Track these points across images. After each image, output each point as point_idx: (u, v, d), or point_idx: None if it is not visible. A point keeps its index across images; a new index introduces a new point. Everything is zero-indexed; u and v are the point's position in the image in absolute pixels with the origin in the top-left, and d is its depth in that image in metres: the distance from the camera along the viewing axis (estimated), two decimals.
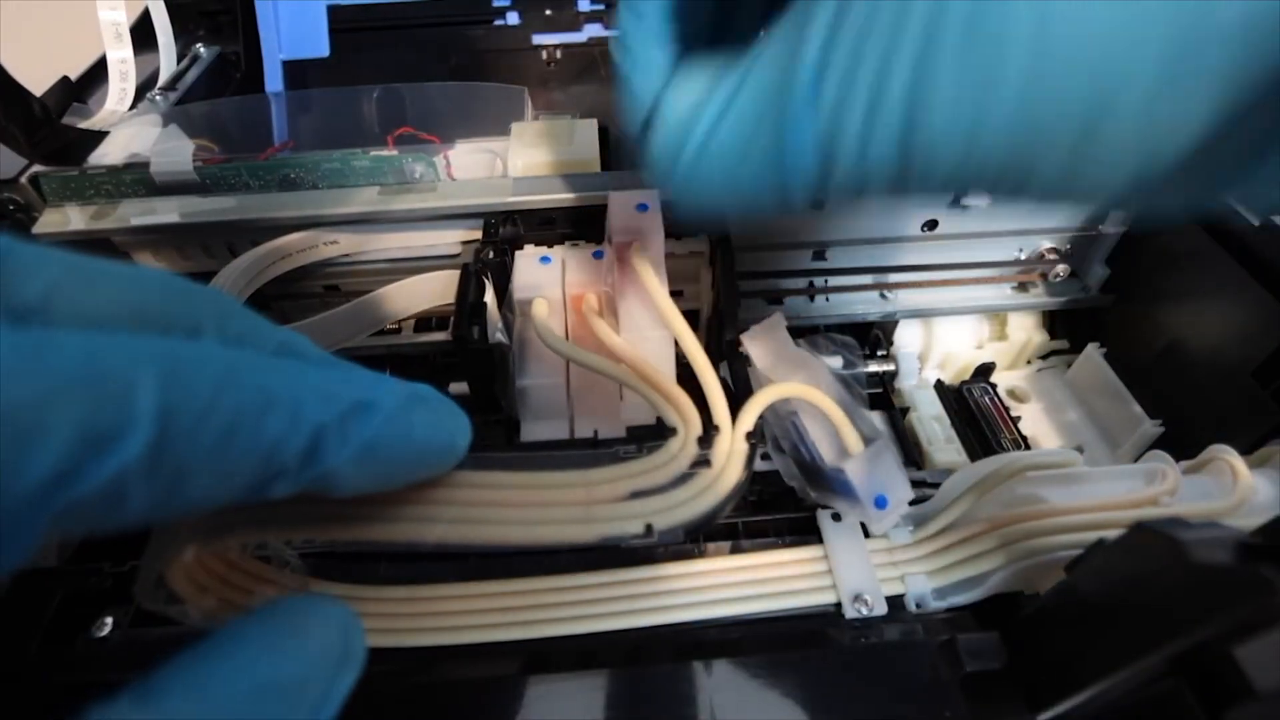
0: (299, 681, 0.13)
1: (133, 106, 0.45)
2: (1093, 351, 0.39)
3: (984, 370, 0.42)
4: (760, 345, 0.28)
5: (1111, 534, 0.22)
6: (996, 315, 0.42)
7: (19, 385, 0.10)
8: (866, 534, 0.26)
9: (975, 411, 0.38)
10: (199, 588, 0.21)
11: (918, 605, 0.24)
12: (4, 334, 0.10)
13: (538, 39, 0.52)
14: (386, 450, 0.15)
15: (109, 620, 0.24)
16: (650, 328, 0.27)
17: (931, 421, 0.38)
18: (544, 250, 0.31)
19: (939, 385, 0.40)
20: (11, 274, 0.12)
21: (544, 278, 0.29)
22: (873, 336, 0.42)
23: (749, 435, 0.24)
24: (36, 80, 0.38)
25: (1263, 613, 0.15)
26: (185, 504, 0.12)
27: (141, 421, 0.11)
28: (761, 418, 0.25)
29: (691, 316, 0.35)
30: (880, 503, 0.23)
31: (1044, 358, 0.43)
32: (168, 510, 0.12)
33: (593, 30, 0.53)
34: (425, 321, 0.38)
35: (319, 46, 0.51)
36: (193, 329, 0.14)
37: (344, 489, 0.14)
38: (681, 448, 0.24)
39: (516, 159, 0.35)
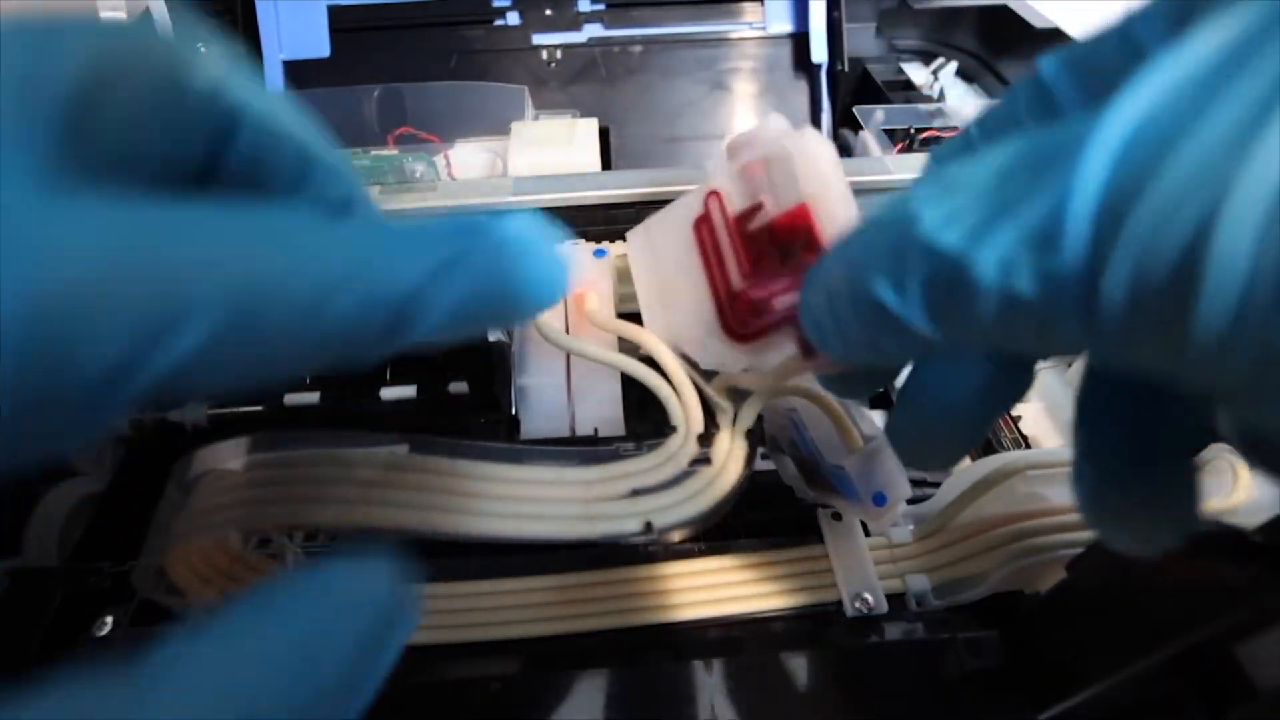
0: (352, 632, 0.12)
1: None
2: None
3: None
4: None
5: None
6: None
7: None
8: (867, 533, 0.26)
9: None
10: (201, 580, 0.21)
11: (918, 604, 0.24)
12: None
13: (538, 39, 0.52)
14: (476, 307, 0.13)
15: (109, 620, 0.24)
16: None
17: None
18: None
19: None
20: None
21: None
22: None
23: (748, 434, 0.24)
24: None
25: (1264, 612, 0.15)
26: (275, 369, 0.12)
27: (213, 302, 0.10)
28: (760, 416, 0.25)
29: None
30: (879, 500, 0.23)
31: (1044, 357, 0.43)
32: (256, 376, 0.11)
33: (592, 30, 0.53)
34: None
35: (319, 47, 0.51)
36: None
37: (433, 336, 0.13)
38: (681, 446, 0.24)
39: (516, 158, 0.35)
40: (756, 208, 0.18)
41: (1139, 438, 0.13)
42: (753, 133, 0.19)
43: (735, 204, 0.19)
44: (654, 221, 0.22)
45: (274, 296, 0.11)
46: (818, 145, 0.18)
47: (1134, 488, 0.13)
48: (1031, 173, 0.09)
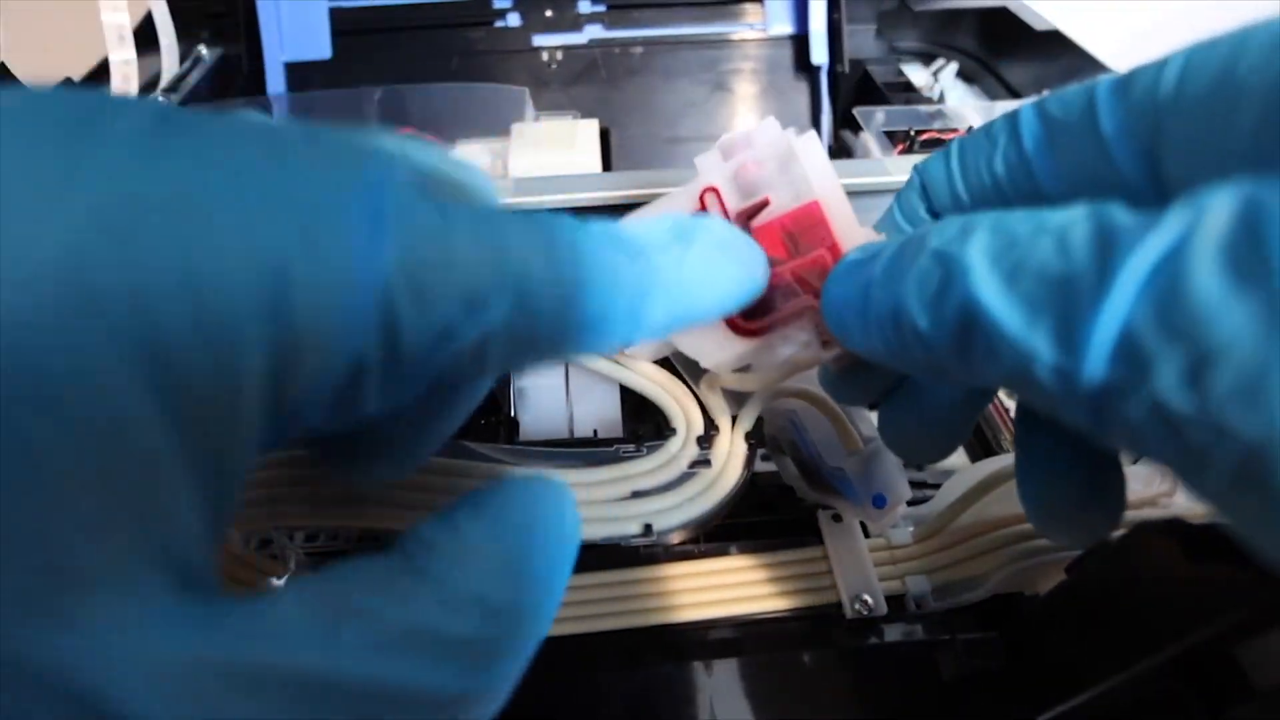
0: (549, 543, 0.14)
1: None
2: None
3: None
4: None
5: (1111, 535, 0.22)
6: None
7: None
8: (867, 534, 0.26)
9: None
10: None
11: (918, 605, 0.24)
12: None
13: (538, 40, 0.52)
14: (684, 302, 0.15)
15: None
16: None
17: None
18: None
19: None
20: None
21: None
22: None
23: (748, 435, 0.24)
24: (39, 82, 0.38)
25: (1263, 613, 0.15)
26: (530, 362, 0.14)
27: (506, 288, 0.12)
28: (760, 417, 0.25)
29: None
30: (879, 502, 0.23)
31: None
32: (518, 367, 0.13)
33: (593, 31, 0.53)
34: None
35: (321, 48, 0.51)
36: None
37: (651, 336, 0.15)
38: (681, 448, 0.24)
39: (517, 160, 0.35)
40: (762, 204, 0.19)
41: (1067, 457, 0.15)
42: (749, 134, 0.20)
43: (731, 201, 0.19)
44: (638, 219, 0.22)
45: (550, 283, 0.13)
46: (819, 147, 0.19)
47: (1068, 496, 0.15)
48: (1070, 282, 0.10)
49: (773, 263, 0.19)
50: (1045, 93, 0.16)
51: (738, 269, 0.16)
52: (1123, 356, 0.09)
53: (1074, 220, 0.11)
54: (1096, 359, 0.10)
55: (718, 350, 0.20)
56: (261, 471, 0.22)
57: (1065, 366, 0.10)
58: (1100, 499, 0.15)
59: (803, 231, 0.19)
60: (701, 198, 0.20)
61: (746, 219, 0.19)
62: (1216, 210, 0.09)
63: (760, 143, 0.19)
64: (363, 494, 0.21)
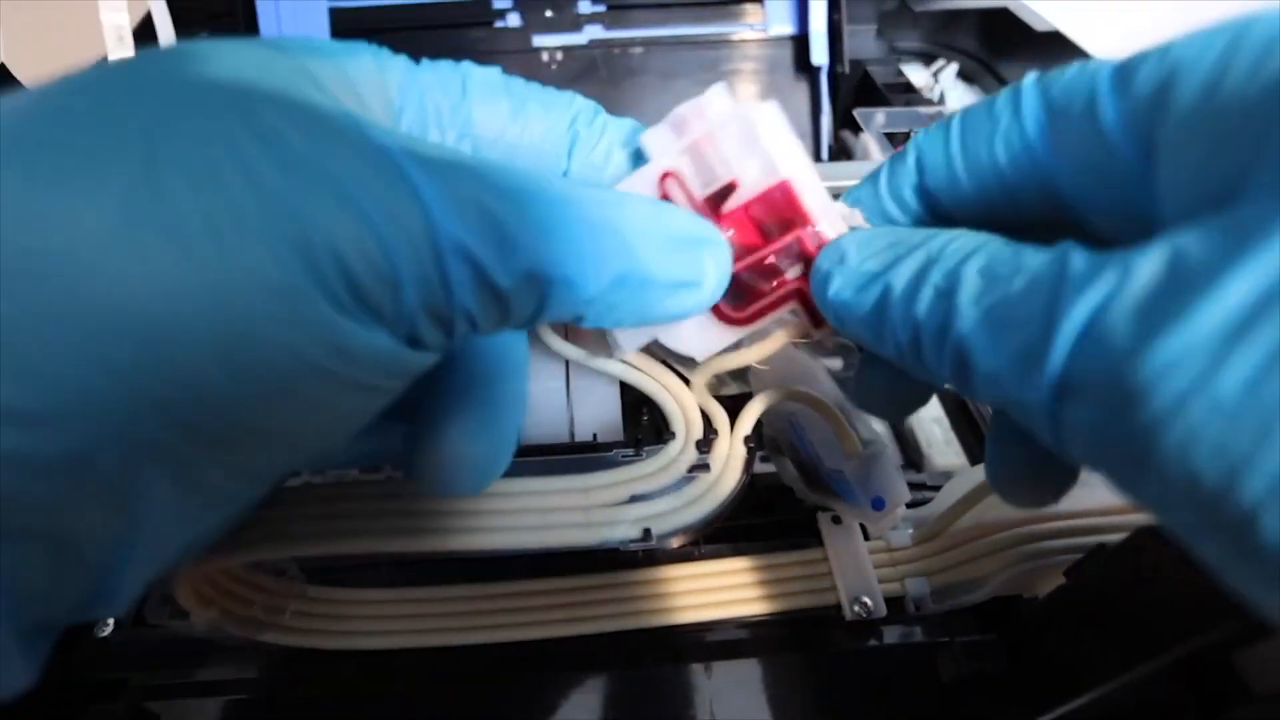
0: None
1: None
2: None
3: None
4: None
5: (1111, 538, 0.22)
6: None
7: None
8: (866, 536, 0.26)
9: (975, 413, 0.38)
10: (203, 601, 0.22)
11: (917, 607, 0.24)
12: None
13: (538, 40, 0.52)
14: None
15: (110, 620, 0.25)
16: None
17: (931, 424, 0.38)
18: None
19: None
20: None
21: None
22: None
23: (747, 439, 0.24)
24: (39, 83, 0.38)
25: (1262, 620, 0.15)
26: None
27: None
28: (760, 420, 0.25)
29: None
30: (878, 505, 0.23)
31: None
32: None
33: (593, 32, 0.53)
34: None
35: (319, 37, 0.51)
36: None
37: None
38: (680, 451, 0.24)
39: None
40: (729, 188, 0.18)
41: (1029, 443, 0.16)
42: (699, 104, 0.19)
43: (692, 184, 0.19)
44: None
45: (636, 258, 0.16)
46: (781, 119, 0.18)
47: (1029, 469, 0.16)
48: (1030, 326, 0.12)
49: (747, 251, 0.18)
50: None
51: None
52: (1065, 394, 0.11)
53: (1040, 265, 0.12)
54: (1046, 397, 0.11)
55: (709, 342, 0.20)
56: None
57: (1027, 401, 0.12)
58: (1052, 475, 0.16)
59: (775, 214, 0.18)
60: (662, 184, 0.19)
61: (714, 206, 0.18)
62: (1142, 268, 0.10)
63: (712, 114, 0.18)
64: (346, 525, 0.22)
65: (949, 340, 0.13)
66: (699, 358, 0.20)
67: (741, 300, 0.19)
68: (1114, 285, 0.11)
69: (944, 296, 0.13)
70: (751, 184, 0.18)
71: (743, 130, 0.18)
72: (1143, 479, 0.10)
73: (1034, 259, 0.12)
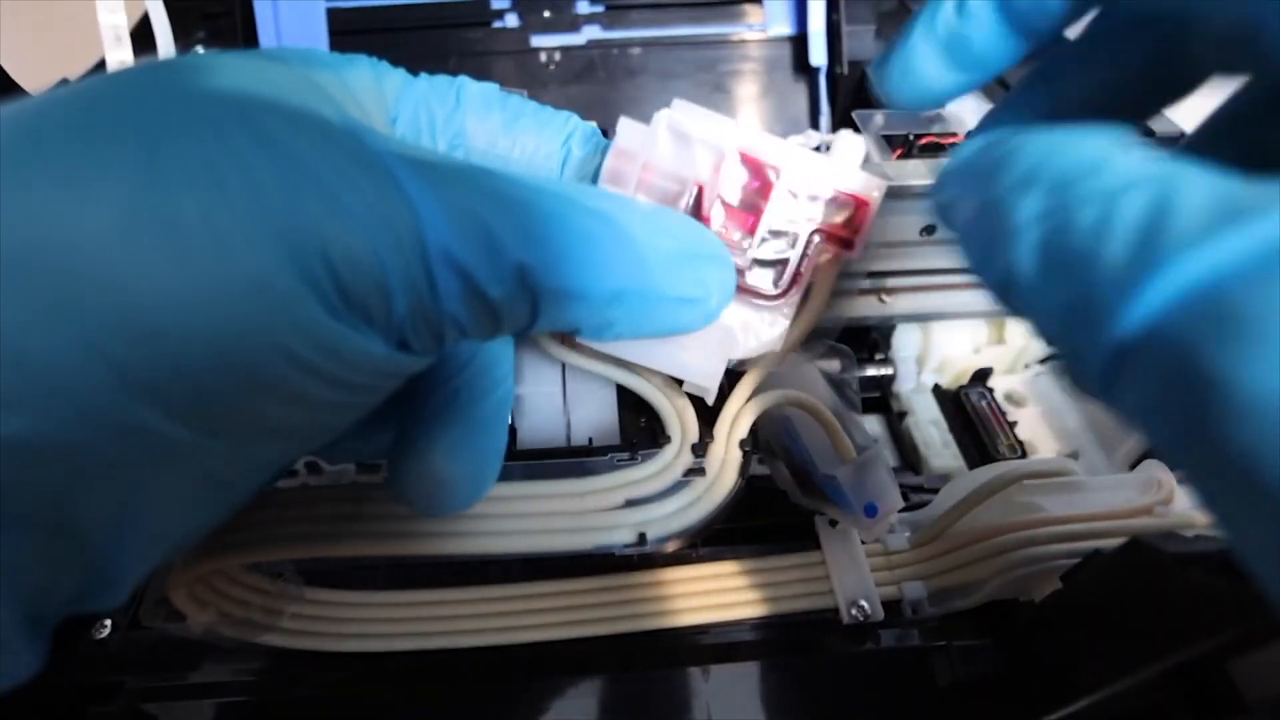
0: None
1: None
2: None
3: (981, 375, 0.42)
4: None
5: (1107, 544, 0.22)
6: (995, 320, 0.42)
7: None
8: (863, 540, 0.26)
9: (972, 416, 0.38)
10: (199, 604, 0.22)
11: (914, 611, 0.24)
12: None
13: (536, 40, 0.52)
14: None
15: (109, 622, 0.25)
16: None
17: (929, 426, 0.38)
18: None
19: (936, 390, 0.40)
20: None
21: None
22: (871, 340, 0.42)
23: (742, 443, 0.24)
24: (36, 84, 0.38)
25: (1257, 628, 0.15)
26: None
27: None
28: (755, 423, 0.25)
29: None
30: (870, 511, 0.23)
31: (1042, 362, 0.43)
32: None
33: (591, 32, 0.53)
34: None
35: (319, 49, 0.50)
36: None
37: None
38: (676, 456, 0.24)
39: None
40: (699, 194, 0.19)
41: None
42: (618, 148, 0.19)
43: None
44: None
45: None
46: (690, 107, 0.19)
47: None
48: (1101, 268, 0.10)
49: (743, 239, 0.20)
50: None
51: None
52: (1128, 364, 0.09)
53: (1130, 187, 0.10)
54: (1105, 358, 0.09)
55: (715, 364, 0.20)
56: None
57: (1082, 347, 0.10)
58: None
59: (745, 185, 0.19)
60: None
61: (696, 213, 0.19)
62: None
63: (632, 146, 0.19)
64: (342, 529, 0.22)
65: (999, 260, 0.12)
66: (711, 386, 0.21)
67: (776, 276, 0.20)
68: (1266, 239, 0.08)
69: (998, 209, 0.12)
70: (713, 174, 0.19)
71: (672, 138, 0.19)
72: (1197, 454, 0.09)
73: (1118, 172, 0.10)
